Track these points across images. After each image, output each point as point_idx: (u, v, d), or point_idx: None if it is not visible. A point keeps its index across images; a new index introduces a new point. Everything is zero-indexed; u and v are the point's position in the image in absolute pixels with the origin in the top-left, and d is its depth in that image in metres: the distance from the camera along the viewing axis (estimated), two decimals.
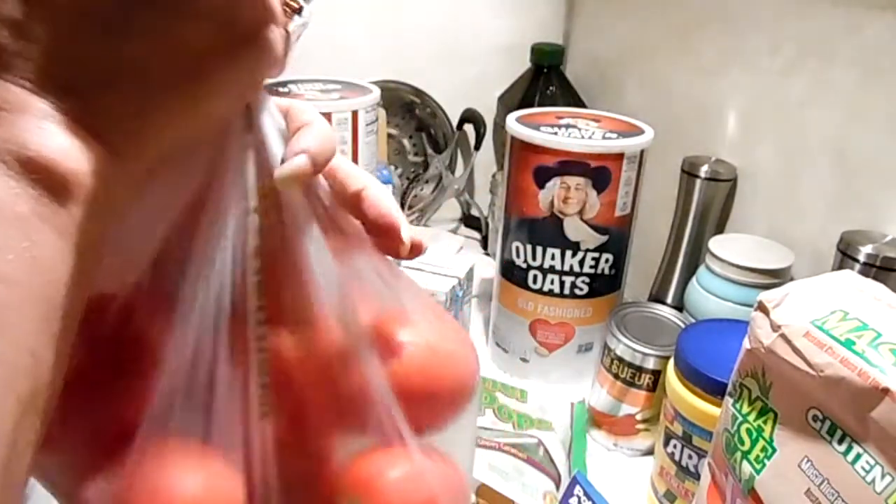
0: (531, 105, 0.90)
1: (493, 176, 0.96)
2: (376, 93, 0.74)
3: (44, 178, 0.17)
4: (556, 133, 0.63)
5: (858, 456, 0.33)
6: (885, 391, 0.31)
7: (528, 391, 0.63)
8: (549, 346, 0.70)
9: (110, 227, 0.20)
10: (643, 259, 0.77)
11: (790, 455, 0.37)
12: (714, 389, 0.48)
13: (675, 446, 0.53)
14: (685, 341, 0.53)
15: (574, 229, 0.65)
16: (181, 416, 0.21)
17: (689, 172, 0.73)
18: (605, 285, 0.68)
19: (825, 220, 0.63)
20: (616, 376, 0.60)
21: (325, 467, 0.24)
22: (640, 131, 0.66)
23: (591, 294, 0.68)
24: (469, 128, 1.03)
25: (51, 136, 0.18)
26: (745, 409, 0.40)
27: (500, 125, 0.97)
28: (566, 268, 0.66)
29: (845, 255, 0.56)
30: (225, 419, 0.21)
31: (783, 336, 0.37)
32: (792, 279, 0.62)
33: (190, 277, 0.21)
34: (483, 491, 0.49)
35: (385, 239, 0.27)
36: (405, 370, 0.24)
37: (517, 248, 0.68)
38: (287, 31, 0.23)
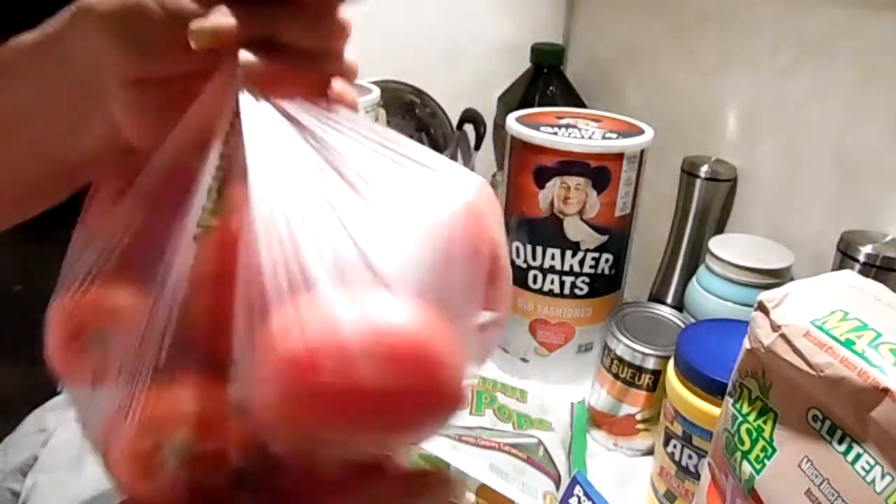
0: (531, 105, 0.90)
1: (493, 176, 0.96)
2: (376, 93, 0.74)
3: None
4: (556, 133, 0.63)
5: (858, 456, 0.33)
6: (885, 391, 0.31)
7: (528, 391, 0.63)
8: (549, 346, 0.70)
9: None
10: (643, 259, 0.77)
11: (790, 455, 0.37)
12: (714, 389, 0.48)
13: (675, 446, 0.53)
14: (685, 341, 0.53)
15: (574, 229, 0.65)
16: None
17: (689, 172, 0.73)
18: (605, 285, 0.68)
19: (825, 220, 0.63)
20: (616, 376, 0.60)
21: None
22: (640, 131, 0.66)
23: (591, 294, 0.68)
24: (469, 128, 1.03)
25: None
26: (745, 409, 0.40)
27: (500, 125, 0.97)
28: (566, 268, 0.66)
29: (845, 255, 0.56)
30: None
31: (783, 336, 0.37)
32: (792, 279, 0.62)
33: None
34: (483, 491, 0.49)
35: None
36: None
37: (517, 248, 0.68)
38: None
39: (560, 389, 0.68)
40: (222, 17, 0.23)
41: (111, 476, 0.23)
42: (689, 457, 0.52)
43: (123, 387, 0.21)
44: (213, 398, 0.20)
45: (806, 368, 0.35)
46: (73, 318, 0.23)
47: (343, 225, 0.20)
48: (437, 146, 1.04)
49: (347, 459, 0.21)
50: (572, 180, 0.63)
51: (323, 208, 0.20)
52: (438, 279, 0.20)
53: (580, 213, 0.64)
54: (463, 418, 0.56)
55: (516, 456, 0.52)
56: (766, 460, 0.38)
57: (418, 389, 0.18)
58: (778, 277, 0.62)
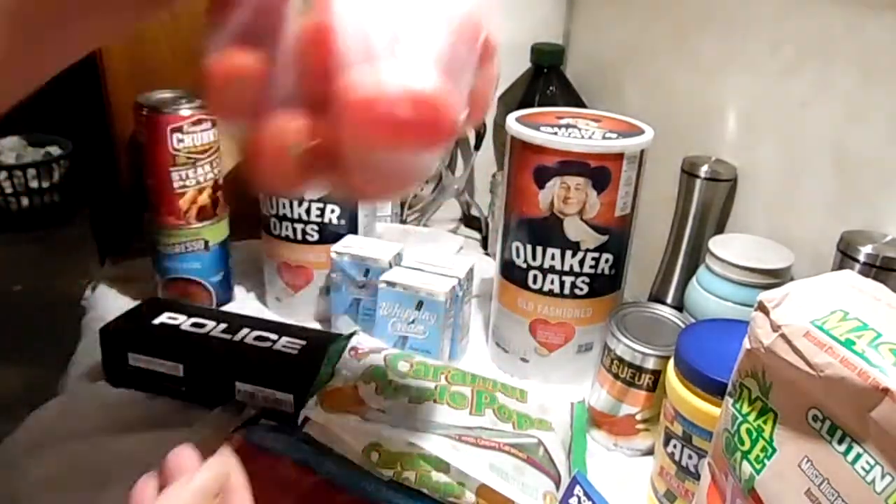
0: (531, 105, 0.90)
1: (493, 176, 0.96)
2: None
3: None
4: (556, 133, 0.63)
5: (858, 456, 0.33)
6: (885, 391, 0.31)
7: (528, 391, 0.63)
8: (549, 346, 0.70)
9: None
10: (643, 259, 0.77)
11: (790, 455, 0.37)
12: (714, 389, 0.48)
13: (675, 446, 0.53)
14: (685, 341, 0.53)
15: (574, 229, 0.65)
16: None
17: (689, 172, 0.73)
18: (605, 285, 0.68)
19: (825, 220, 0.63)
20: (616, 376, 0.60)
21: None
22: (640, 131, 0.66)
23: (591, 294, 0.68)
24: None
25: None
26: (745, 409, 0.40)
27: (500, 125, 0.97)
28: (566, 268, 0.66)
29: (845, 255, 0.56)
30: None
31: (783, 336, 0.37)
32: (792, 279, 0.62)
33: None
34: (483, 491, 0.49)
35: None
36: None
37: (517, 248, 0.68)
38: None
39: (560, 389, 0.68)
40: None
41: (252, 166, 0.36)
42: (689, 457, 0.52)
43: (260, 115, 0.33)
44: (316, 121, 0.33)
45: (806, 368, 0.35)
46: (221, 72, 0.35)
47: (395, 10, 0.32)
48: None
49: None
50: (572, 180, 0.63)
51: None
52: (450, 55, 0.33)
53: (580, 213, 0.64)
54: (463, 418, 0.56)
55: (516, 456, 0.52)
56: (766, 460, 0.38)
57: (432, 122, 0.32)
58: (778, 277, 0.62)
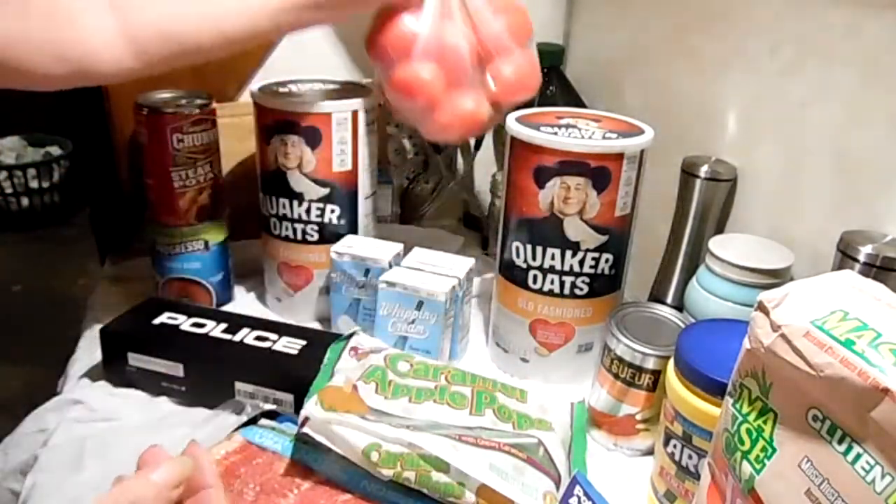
0: (531, 105, 0.90)
1: (493, 176, 0.96)
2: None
3: None
4: (556, 133, 0.63)
5: (858, 456, 0.33)
6: (885, 391, 0.31)
7: (528, 391, 0.63)
8: (549, 346, 0.70)
9: None
10: (643, 259, 0.77)
11: (790, 455, 0.37)
12: (714, 389, 0.48)
13: (675, 446, 0.53)
14: (685, 341, 0.53)
15: (574, 229, 0.65)
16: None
17: (688, 172, 0.73)
18: (605, 285, 0.68)
19: (825, 220, 0.63)
20: (616, 376, 0.60)
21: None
22: (640, 131, 0.66)
23: (591, 294, 0.68)
24: None
25: None
26: (745, 409, 0.40)
27: (500, 125, 0.97)
28: (566, 268, 0.66)
29: (845, 255, 0.56)
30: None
31: (783, 336, 0.37)
32: (792, 279, 0.62)
33: None
34: (483, 491, 0.49)
35: None
36: None
37: (517, 248, 0.68)
38: None
39: (560, 389, 0.68)
40: None
41: (396, 90, 0.62)
42: (689, 457, 0.52)
43: (404, 61, 0.60)
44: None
45: (806, 368, 0.35)
46: (392, 27, 0.59)
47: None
48: (437, 146, 1.04)
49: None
50: (572, 180, 0.63)
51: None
52: (528, 43, 0.64)
53: (580, 213, 0.64)
54: (463, 418, 0.56)
55: (516, 456, 0.52)
56: (766, 460, 0.38)
57: (532, 83, 0.67)
58: (778, 277, 0.62)
